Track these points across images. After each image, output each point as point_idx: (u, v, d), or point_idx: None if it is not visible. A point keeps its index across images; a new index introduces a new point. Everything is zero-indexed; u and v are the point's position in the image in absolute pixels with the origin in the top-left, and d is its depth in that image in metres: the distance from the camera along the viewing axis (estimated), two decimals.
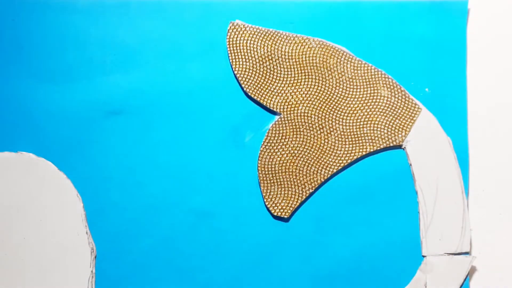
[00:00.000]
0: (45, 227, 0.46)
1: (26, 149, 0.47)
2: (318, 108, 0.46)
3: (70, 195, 0.47)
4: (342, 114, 0.46)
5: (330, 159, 0.46)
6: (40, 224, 0.47)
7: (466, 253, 0.45)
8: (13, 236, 0.46)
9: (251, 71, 0.46)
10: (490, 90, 0.47)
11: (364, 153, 0.46)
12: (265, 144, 0.46)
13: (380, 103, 0.46)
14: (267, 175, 0.46)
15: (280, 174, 0.46)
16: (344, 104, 0.46)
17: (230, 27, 0.46)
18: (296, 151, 0.46)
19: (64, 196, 0.47)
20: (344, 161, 0.46)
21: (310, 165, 0.46)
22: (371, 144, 0.46)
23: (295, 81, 0.46)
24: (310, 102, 0.46)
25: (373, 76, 0.46)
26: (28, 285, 0.46)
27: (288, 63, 0.46)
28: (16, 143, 0.47)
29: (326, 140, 0.46)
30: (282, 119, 0.46)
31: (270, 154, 0.46)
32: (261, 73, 0.46)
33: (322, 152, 0.46)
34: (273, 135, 0.46)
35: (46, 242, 0.46)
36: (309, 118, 0.46)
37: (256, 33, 0.46)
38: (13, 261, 0.46)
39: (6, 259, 0.46)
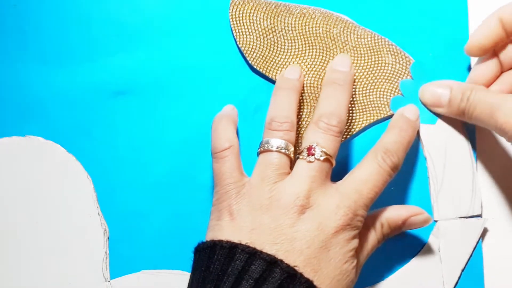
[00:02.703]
0: (56, 210, 0.46)
1: (33, 132, 0.47)
2: (324, 78, 0.46)
3: (80, 177, 0.47)
4: None
5: None
6: (51, 208, 0.46)
7: (478, 215, 0.45)
8: (25, 221, 0.46)
9: (255, 44, 0.46)
10: None
11: (371, 121, 0.46)
12: None
13: (385, 71, 0.46)
14: None
15: None
16: None
17: (232, 1, 0.46)
18: (304, 123, 0.46)
19: (74, 178, 0.47)
20: (353, 130, 0.46)
21: None
22: (378, 111, 0.46)
23: (300, 53, 0.46)
24: (316, 72, 0.46)
25: (376, 44, 0.46)
26: (42, 269, 0.46)
27: (291, 35, 0.46)
28: (23, 127, 0.47)
29: None
30: None
31: None
32: (265, 45, 0.46)
33: None
34: None
35: (58, 225, 0.46)
36: (315, 88, 0.46)
37: (258, 5, 0.46)
38: (27, 246, 0.46)
39: (20, 244, 0.46)
